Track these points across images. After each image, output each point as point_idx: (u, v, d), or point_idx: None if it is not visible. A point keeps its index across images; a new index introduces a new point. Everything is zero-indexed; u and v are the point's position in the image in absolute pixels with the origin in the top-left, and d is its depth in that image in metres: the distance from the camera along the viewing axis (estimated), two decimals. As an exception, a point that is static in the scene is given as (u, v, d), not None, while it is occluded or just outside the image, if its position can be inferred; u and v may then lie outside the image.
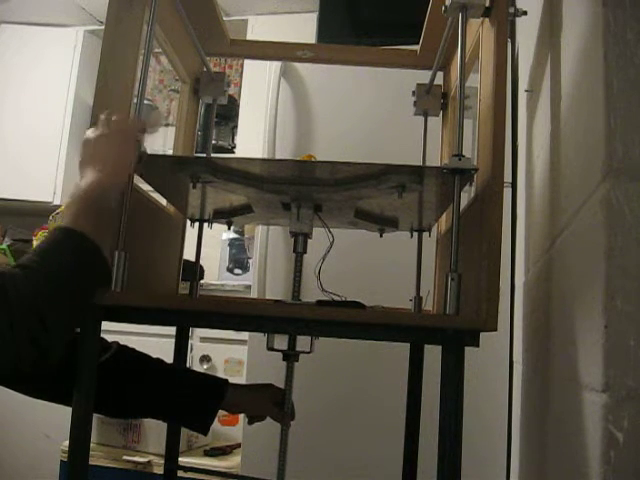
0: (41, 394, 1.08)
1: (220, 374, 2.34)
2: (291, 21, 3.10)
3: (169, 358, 1.28)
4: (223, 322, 0.91)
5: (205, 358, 2.44)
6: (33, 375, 1.04)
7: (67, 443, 0.89)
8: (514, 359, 1.53)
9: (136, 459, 2.11)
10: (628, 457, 0.59)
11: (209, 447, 2.21)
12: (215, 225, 1.26)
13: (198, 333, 2.45)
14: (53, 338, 0.73)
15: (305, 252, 1.03)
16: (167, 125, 3.48)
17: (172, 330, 1.36)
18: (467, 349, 0.83)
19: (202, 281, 2.55)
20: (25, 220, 3.21)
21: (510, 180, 1.64)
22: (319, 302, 0.96)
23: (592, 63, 0.71)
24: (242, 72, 3.25)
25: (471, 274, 0.87)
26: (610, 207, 0.63)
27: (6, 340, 0.67)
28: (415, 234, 1.25)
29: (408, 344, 1.29)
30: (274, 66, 1.89)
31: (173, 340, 1.35)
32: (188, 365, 2.22)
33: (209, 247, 2.58)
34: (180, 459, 1.38)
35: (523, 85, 1.44)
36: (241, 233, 2.83)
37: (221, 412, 1.18)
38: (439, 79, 1.27)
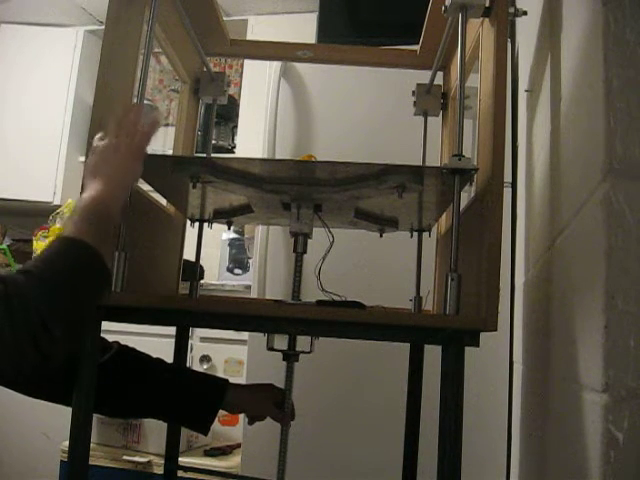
0: (41, 394, 1.08)
1: (220, 374, 2.34)
2: (291, 21, 3.10)
3: (169, 358, 1.28)
4: (223, 322, 0.91)
5: (205, 358, 2.44)
6: (33, 376, 1.04)
7: (67, 443, 0.89)
8: (514, 359, 1.53)
9: (136, 459, 2.11)
10: (628, 457, 0.59)
11: (209, 447, 2.20)
12: (215, 225, 1.26)
13: (198, 333, 2.45)
14: (55, 343, 0.72)
15: (305, 252, 1.03)
16: (167, 125, 3.48)
17: (172, 330, 1.36)
18: (467, 349, 0.83)
19: (202, 281, 2.55)
20: (25, 220, 3.21)
21: (510, 180, 1.64)
22: (319, 302, 0.96)
23: (592, 63, 0.71)
24: (242, 72, 3.25)
25: (471, 274, 0.87)
26: (610, 207, 0.63)
27: (8, 344, 0.68)
28: (415, 234, 1.25)
29: (408, 344, 1.29)
30: (274, 66, 1.89)
31: (173, 340, 1.35)
32: (188, 365, 2.22)
33: (209, 247, 2.59)
34: (180, 459, 1.38)
35: (523, 85, 1.44)
36: (241, 233, 2.83)
37: (221, 412, 1.18)
38: (439, 79, 1.27)
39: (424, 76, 1.26)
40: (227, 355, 2.43)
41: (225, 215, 1.20)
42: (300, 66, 1.89)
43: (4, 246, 2.93)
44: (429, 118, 1.29)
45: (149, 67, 0.95)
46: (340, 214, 1.09)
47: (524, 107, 1.40)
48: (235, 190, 1.00)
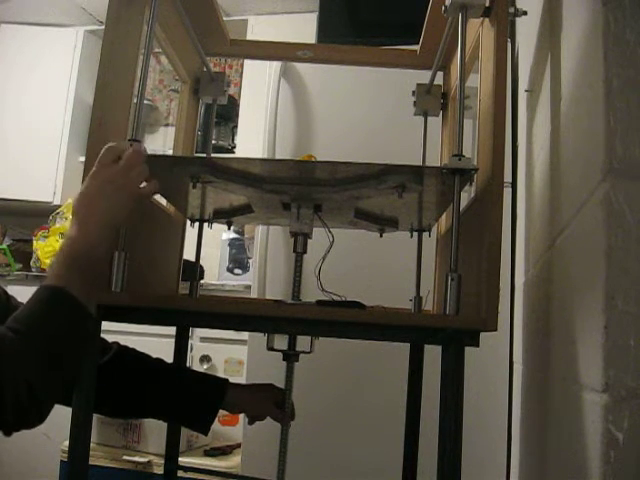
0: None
1: (220, 374, 2.33)
2: (291, 21, 3.10)
3: (169, 358, 1.28)
4: (223, 322, 0.91)
5: (205, 358, 2.44)
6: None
7: (67, 443, 0.89)
8: (514, 359, 1.53)
9: (136, 459, 2.11)
10: (628, 457, 0.59)
11: (209, 447, 2.21)
12: (215, 225, 1.26)
13: (198, 333, 2.45)
14: (38, 405, 0.74)
15: (305, 252, 1.03)
16: (167, 125, 3.48)
17: (172, 330, 1.36)
18: (467, 349, 0.83)
19: (202, 281, 2.55)
20: (25, 220, 3.21)
21: (510, 180, 1.64)
22: (319, 302, 0.96)
23: (592, 63, 0.71)
24: (242, 72, 3.25)
25: (471, 274, 0.87)
26: (610, 207, 0.63)
27: None
28: (415, 234, 1.25)
29: (408, 344, 1.29)
30: (274, 66, 1.89)
31: (173, 340, 1.35)
32: (188, 365, 2.22)
33: (209, 247, 2.59)
34: (180, 459, 1.38)
35: (523, 85, 1.44)
36: (241, 233, 2.83)
37: (221, 412, 1.18)
38: (439, 79, 1.27)
39: (424, 76, 1.26)
40: (227, 355, 2.43)
41: (225, 215, 1.20)
42: (300, 66, 1.89)
43: (4, 246, 2.93)
44: (429, 118, 1.29)
45: (149, 67, 0.95)
46: (340, 214, 1.09)
47: (524, 107, 1.40)
48: (235, 190, 1.00)
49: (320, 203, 1.01)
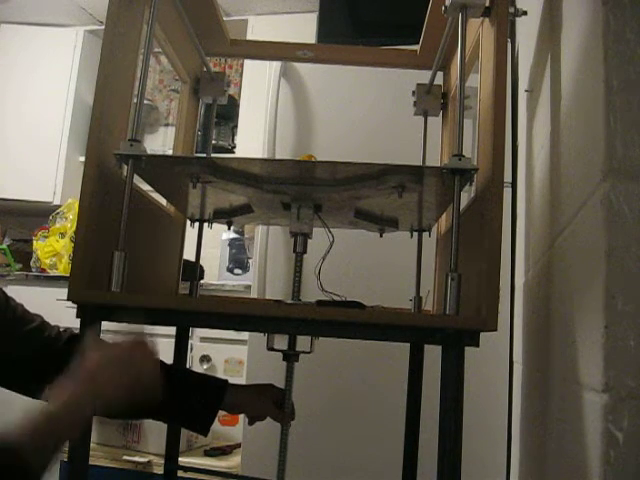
0: (41, 394, 1.08)
1: (220, 374, 2.34)
2: (291, 21, 3.10)
3: (169, 358, 1.28)
4: (223, 322, 0.91)
5: (205, 358, 2.44)
6: (33, 376, 1.04)
7: (67, 443, 0.88)
8: (514, 359, 1.53)
9: (136, 459, 2.11)
10: (628, 457, 0.59)
11: (209, 447, 2.21)
12: (215, 225, 1.26)
13: (198, 333, 2.45)
14: None
15: (305, 252, 1.03)
16: (167, 125, 3.48)
17: (172, 330, 1.36)
18: (467, 349, 0.83)
19: (202, 281, 2.55)
20: (25, 220, 3.21)
21: (510, 180, 1.64)
22: (319, 302, 0.96)
23: (592, 63, 0.71)
24: (242, 72, 3.25)
25: (471, 274, 0.87)
26: (610, 207, 0.63)
27: None
28: (415, 234, 1.25)
29: (408, 344, 1.29)
30: (274, 66, 1.89)
31: (173, 340, 1.35)
32: (188, 365, 2.22)
33: (209, 247, 2.59)
34: (180, 459, 1.38)
35: (523, 85, 1.44)
36: (241, 233, 2.83)
37: (221, 412, 1.18)
38: (439, 79, 1.27)
39: (424, 76, 1.26)
40: (227, 355, 2.43)
41: (225, 215, 1.20)
42: (300, 66, 1.89)
43: (4, 246, 2.93)
44: (429, 118, 1.29)
45: (149, 67, 0.95)
46: (340, 214, 1.09)
47: (524, 107, 1.40)
48: (235, 190, 1.00)
49: (320, 203, 1.01)
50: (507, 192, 1.63)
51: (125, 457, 2.12)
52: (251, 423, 1.23)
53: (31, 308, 1.08)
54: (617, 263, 0.62)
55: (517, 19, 0.96)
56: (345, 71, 1.70)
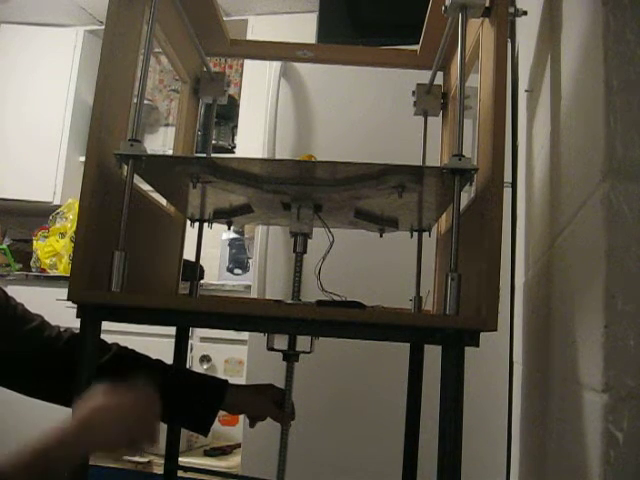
0: (41, 394, 1.08)
1: (220, 374, 2.34)
2: (291, 21, 3.10)
3: (169, 358, 1.28)
4: (223, 322, 0.91)
5: (205, 358, 2.44)
6: (33, 375, 1.04)
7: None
8: (514, 359, 1.53)
9: (136, 459, 2.11)
10: (628, 457, 0.59)
11: (209, 447, 2.21)
12: (215, 225, 1.26)
13: (198, 333, 2.45)
14: None
15: (305, 252, 1.03)
16: (167, 125, 3.48)
17: (172, 330, 1.36)
18: (467, 349, 0.83)
19: (202, 281, 2.55)
20: (25, 220, 3.21)
21: (510, 180, 1.64)
22: (319, 302, 0.96)
23: (592, 63, 0.71)
24: (242, 72, 3.25)
25: (471, 274, 0.87)
26: (610, 207, 0.63)
27: None
28: (415, 234, 1.25)
29: (408, 344, 1.29)
30: (274, 66, 1.89)
31: (173, 340, 1.35)
32: (188, 365, 2.22)
33: (209, 247, 2.59)
34: (180, 459, 1.38)
35: (523, 85, 1.44)
36: (241, 233, 2.84)
37: (221, 412, 1.18)
38: (439, 79, 1.27)
39: (424, 76, 1.26)
40: (227, 355, 2.43)
41: (225, 215, 1.20)
42: (300, 66, 1.89)
43: (4, 246, 2.93)
44: (429, 118, 1.29)
45: (149, 67, 0.95)
46: (340, 214, 1.09)
47: (524, 107, 1.40)
48: (235, 190, 1.00)
49: (320, 203, 1.01)
50: (507, 192, 1.63)
51: (125, 457, 2.12)
52: (252, 425, 1.23)
53: (31, 308, 1.09)
54: (617, 263, 0.62)
55: (517, 19, 0.96)
56: (345, 71, 1.70)
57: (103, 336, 0.96)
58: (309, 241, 1.03)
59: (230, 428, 2.30)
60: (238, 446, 2.19)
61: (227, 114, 3.06)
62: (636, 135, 0.63)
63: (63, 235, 2.79)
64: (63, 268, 2.71)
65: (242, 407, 1.22)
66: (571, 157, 0.84)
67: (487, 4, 0.92)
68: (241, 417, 2.08)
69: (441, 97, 1.28)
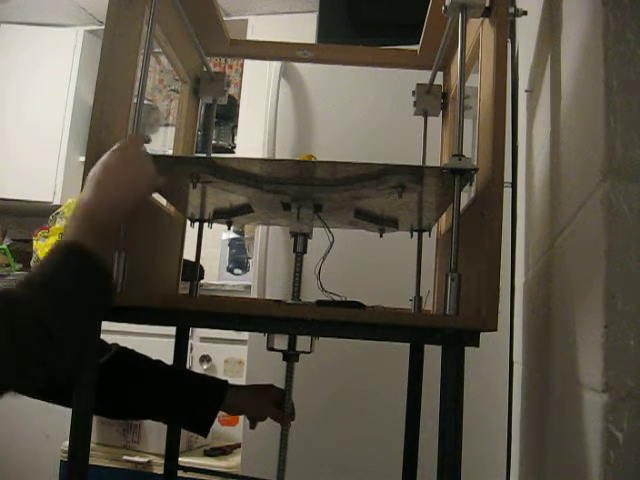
0: (41, 394, 1.08)
1: (220, 374, 2.34)
2: (291, 21, 3.10)
3: (169, 358, 1.28)
4: (223, 322, 0.91)
5: (205, 358, 2.44)
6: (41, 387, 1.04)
7: (67, 443, 0.89)
8: (514, 359, 1.53)
9: (136, 459, 2.11)
10: (628, 457, 0.59)
11: (209, 447, 2.21)
12: (215, 225, 1.26)
13: (198, 333, 2.45)
14: (63, 355, 0.71)
15: (305, 252, 1.03)
16: (167, 125, 3.48)
17: (172, 330, 1.36)
18: (467, 349, 0.83)
19: (202, 281, 2.55)
20: (25, 220, 3.21)
21: (510, 180, 1.64)
22: (319, 302, 0.96)
23: (592, 63, 0.71)
24: (242, 72, 3.25)
25: (471, 274, 0.87)
26: (610, 207, 0.63)
27: (13, 361, 0.66)
28: (415, 234, 1.25)
29: (408, 344, 1.29)
30: (274, 66, 1.89)
31: (173, 340, 1.35)
32: (188, 365, 2.22)
33: (209, 247, 2.59)
34: (180, 459, 1.38)
35: (523, 85, 1.44)
36: (241, 233, 2.84)
37: (221, 412, 1.18)
38: (439, 79, 1.27)
39: (424, 76, 1.26)
40: (227, 355, 2.43)
41: (225, 215, 1.20)
42: (300, 66, 1.89)
43: (4, 246, 2.93)
44: (429, 118, 1.29)
45: (149, 67, 0.95)
46: (340, 214, 1.09)
47: (524, 107, 1.40)
48: (235, 190, 1.00)
49: (320, 203, 1.01)
50: (507, 192, 1.63)
51: (125, 457, 2.12)
52: (252, 426, 1.23)
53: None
54: (617, 263, 0.62)
55: (517, 19, 0.96)
56: (345, 71, 1.70)
57: (103, 336, 0.96)
58: (309, 241, 1.03)
59: (230, 428, 2.30)
60: (238, 446, 2.19)
61: (227, 114, 3.06)
62: (636, 135, 0.63)
63: (63, 235, 2.79)
64: (63, 268, 2.71)
65: (242, 408, 1.22)
66: (571, 157, 0.84)
67: (487, 4, 0.92)
68: (241, 417, 2.08)
69: (441, 97, 1.28)
